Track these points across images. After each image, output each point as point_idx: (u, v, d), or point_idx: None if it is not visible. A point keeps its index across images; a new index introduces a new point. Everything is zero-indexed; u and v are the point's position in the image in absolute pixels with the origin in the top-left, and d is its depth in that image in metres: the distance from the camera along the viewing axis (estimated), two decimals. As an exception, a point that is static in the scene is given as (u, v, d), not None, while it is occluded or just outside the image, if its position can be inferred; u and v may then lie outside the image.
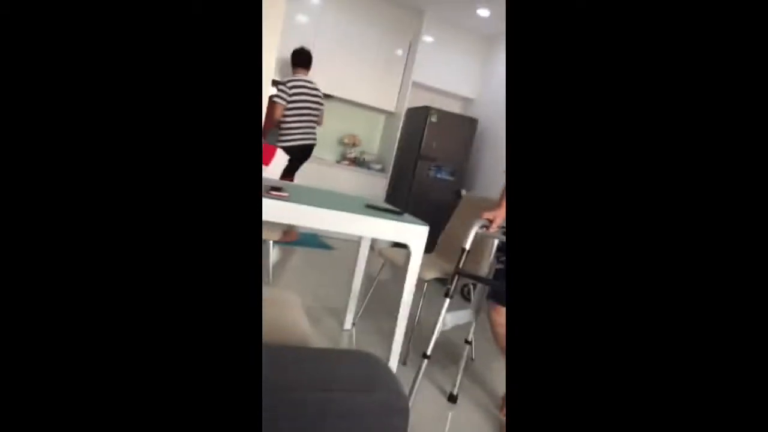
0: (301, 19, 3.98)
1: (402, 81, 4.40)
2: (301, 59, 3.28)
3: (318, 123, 3.36)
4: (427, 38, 4.35)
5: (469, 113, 4.52)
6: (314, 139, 3.31)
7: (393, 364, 1.68)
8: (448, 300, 1.43)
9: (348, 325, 2.21)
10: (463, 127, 4.14)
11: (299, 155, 3.23)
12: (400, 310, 1.60)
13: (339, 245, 4.07)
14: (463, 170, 4.20)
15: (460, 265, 1.43)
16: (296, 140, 3.18)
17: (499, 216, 1.46)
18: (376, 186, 4.35)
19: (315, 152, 3.76)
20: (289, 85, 3.12)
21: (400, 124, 4.30)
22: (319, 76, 4.12)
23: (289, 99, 3.11)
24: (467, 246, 1.43)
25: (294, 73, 3.30)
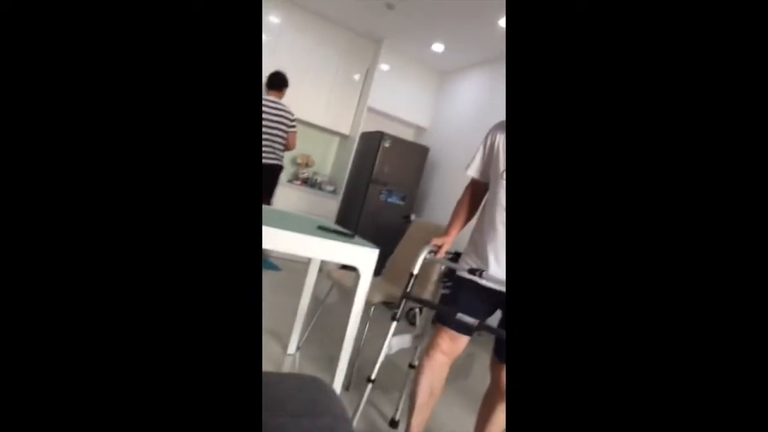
0: (260, 37, 3.98)
1: (358, 105, 4.48)
2: (272, 81, 3.38)
3: (287, 146, 3.38)
4: (384, 66, 4.48)
5: (421, 141, 4.67)
6: (274, 159, 3.31)
7: (337, 387, 1.65)
8: (394, 323, 1.45)
9: (292, 349, 2.16)
10: (415, 154, 4.26)
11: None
12: (347, 333, 1.60)
13: (287, 266, 3.99)
14: (413, 196, 4.29)
15: (408, 289, 1.46)
16: None
17: (447, 242, 1.49)
18: (328, 207, 4.34)
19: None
20: None
21: (354, 147, 4.35)
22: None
23: None
24: (415, 271, 1.47)
25: (266, 94, 3.38)
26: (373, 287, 1.90)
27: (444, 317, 1.41)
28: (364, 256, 1.59)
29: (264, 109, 3.23)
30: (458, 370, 2.40)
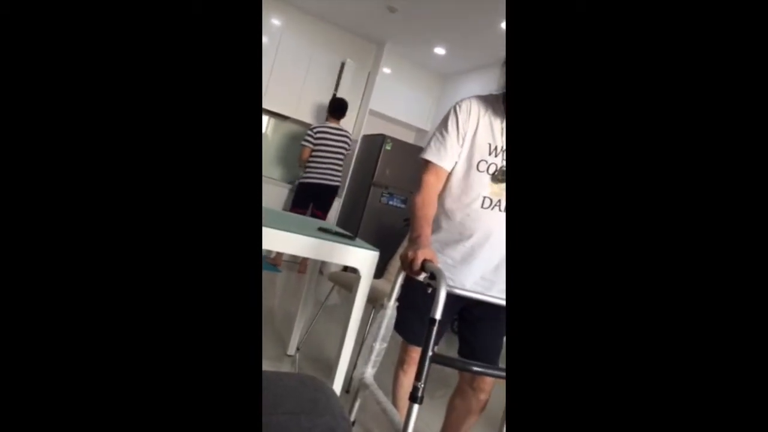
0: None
1: (359, 108, 4.49)
2: (332, 108, 3.86)
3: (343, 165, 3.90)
4: (386, 69, 4.50)
5: (423, 144, 4.67)
6: (333, 180, 3.79)
7: (337, 389, 1.65)
8: (416, 408, 1.29)
9: (292, 350, 2.16)
10: (417, 157, 4.27)
11: (314, 192, 3.74)
12: (347, 334, 1.60)
13: (287, 267, 3.99)
14: (414, 199, 4.30)
15: (432, 343, 1.30)
16: (312, 179, 3.72)
17: (434, 255, 1.02)
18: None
19: (267, 172, 3.81)
20: (315, 131, 3.75)
21: (356, 150, 4.36)
22: (277, 97, 4.12)
23: (314, 143, 3.71)
24: (438, 315, 1.23)
25: (326, 119, 3.91)
26: (374, 289, 1.90)
27: (409, 333, 1.22)
28: (364, 258, 1.59)
29: (328, 135, 3.74)
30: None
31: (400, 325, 1.18)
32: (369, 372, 1.15)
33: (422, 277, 0.99)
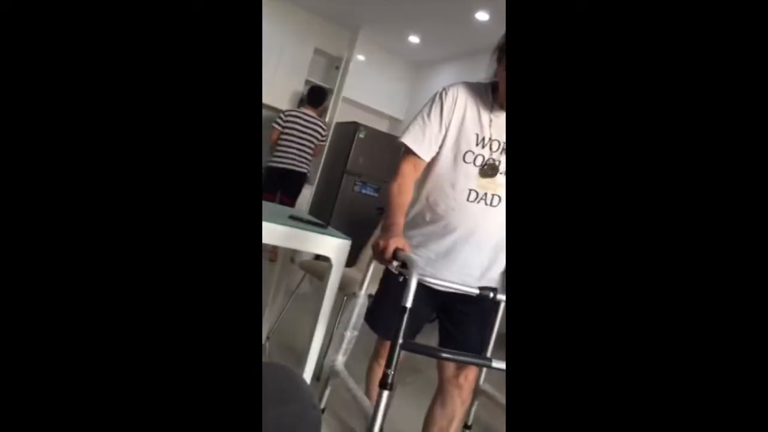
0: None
1: (333, 95, 4.44)
2: (309, 97, 3.81)
3: (313, 153, 3.83)
4: (360, 57, 4.45)
5: (396, 132, 4.67)
6: (301, 166, 3.71)
7: (308, 377, 1.65)
8: (386, 394, 1.26)
9: (262, 339, 2.14)
10: (390, 146, 4.26)
11: (281, 176, 3.68)
12: (318, 323, 1.59)
13: (258, 256, 3.94)
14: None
15: (402, 331, 1.25)
16: (278, 162, 3.66)
17: (392, 244, 0.98)
18: (301, 197, 4.30)
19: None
20: (286, 114, 3.71)
21: (329, 138, 4.31)
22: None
23: (283, 125, 3.66)
24: (409, 303, 1.20)
25: (303, 106, 3.83)
26: (345, 278, 1.90)
27: (382, 329, 1.16)
28: (336, 247, 1.59)
29: (298, 120, 3.67)
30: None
31: (376, 320, 1.16)
32: (340, 360, 1.15)
33: (394, 265, 0.99)
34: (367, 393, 1.27)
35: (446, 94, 1.11)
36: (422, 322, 1.20)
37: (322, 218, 3.39)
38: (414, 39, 4.12)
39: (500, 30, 1.03)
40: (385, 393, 0.88)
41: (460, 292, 1.01)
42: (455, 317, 1.19)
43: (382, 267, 1.13)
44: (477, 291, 0.98)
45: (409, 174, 1.13)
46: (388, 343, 1.18)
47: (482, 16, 3.31)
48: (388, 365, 0.88)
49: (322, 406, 1.39)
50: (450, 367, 1.20)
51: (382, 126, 4.84)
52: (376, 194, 4.22)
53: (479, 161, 1.10)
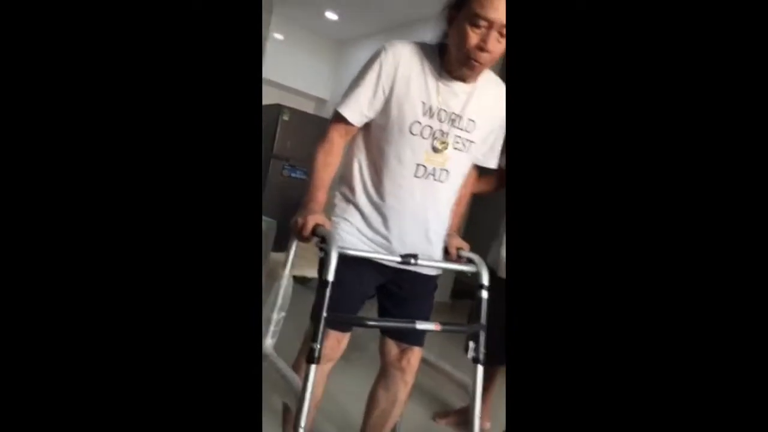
0: None
1: (252, 77, 4.24)
2: None
3: None
4: (278, 35, 4.27)
5: (323, 113, 4.58)
6: None
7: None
8: (313, 368, 1.00)
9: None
10: (318, 127, 4.17)
11: None
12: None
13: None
14: (318, 170, 4.23)
15: (325, 304, 1.12)
16: None
17: (310, 220, 0.95)
18: (228, 186, 4.13)
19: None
20: None
21: (252, 122, 4.14)
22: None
23: None
24: (331, 277, 1.01)
25: None
26: (275, 263, 1.85)
27: (326, 317, 0.98)
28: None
29: None
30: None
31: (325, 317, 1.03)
32: (269, 342, 1.13)
33: (314, 242, 0.97)
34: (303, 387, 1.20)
35: (386, 53, 0.97)
36: (361, 299, 1.14)
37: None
38: (332, 16, 4.02)
39: (418, 3, 1.01)
40: (313, 367, 0.87)
41: (383, 262, 1.00)
42: (397, 297, 1.14)
43: (305, 246, 1.09)
44: (399, 259, 0.97)
45: (335, 140, 1.03)
46: (334, 335, 1.09)
47: (397, -11, 3.29)
48: (313, 339, 0.87)
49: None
50: (393, 350, 1.16)
51: (309, 107, 4.72)
52: (306, 177, 4.14)
53: (427, 133, 0.99)
